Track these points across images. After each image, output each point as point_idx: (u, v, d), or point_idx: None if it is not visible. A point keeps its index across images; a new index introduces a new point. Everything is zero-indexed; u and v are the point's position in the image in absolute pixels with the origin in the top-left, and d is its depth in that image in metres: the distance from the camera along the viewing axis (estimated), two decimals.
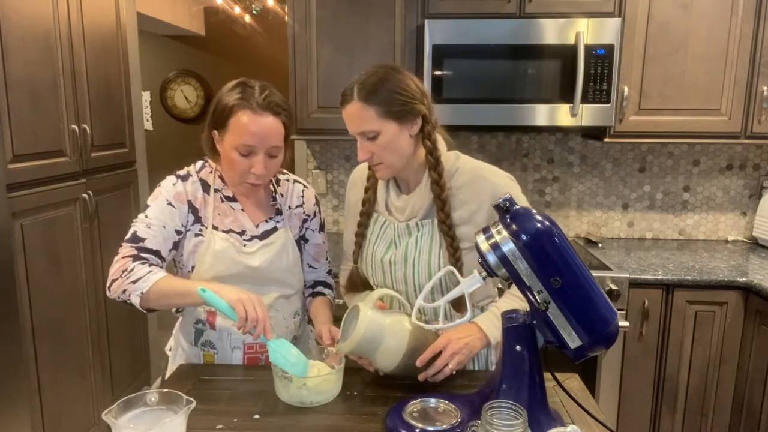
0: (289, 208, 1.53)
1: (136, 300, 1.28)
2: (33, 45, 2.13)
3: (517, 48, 2.30)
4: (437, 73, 2.31)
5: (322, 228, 1.60)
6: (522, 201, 1.32)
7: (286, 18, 2.60)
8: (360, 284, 1.47)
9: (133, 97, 2.98)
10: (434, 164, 1.34)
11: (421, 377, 1.26)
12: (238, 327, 1.23)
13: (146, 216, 1.38)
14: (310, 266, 1.59)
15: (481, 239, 1.03)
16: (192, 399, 1.01)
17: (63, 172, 2.33)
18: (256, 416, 1.19)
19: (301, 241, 1.56)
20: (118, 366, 2.79)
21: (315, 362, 1.32)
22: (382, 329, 1.23)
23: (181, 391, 1.08)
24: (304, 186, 1.58)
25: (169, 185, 1.42)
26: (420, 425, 1.08)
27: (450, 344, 1.25)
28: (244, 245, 1.42)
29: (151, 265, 1.33)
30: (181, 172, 1.45)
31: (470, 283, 1.09)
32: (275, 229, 1.48)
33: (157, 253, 1.36)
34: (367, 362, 1.30)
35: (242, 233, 1.44)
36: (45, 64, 2.21)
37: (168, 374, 1.47)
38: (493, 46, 2.30)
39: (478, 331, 1.30)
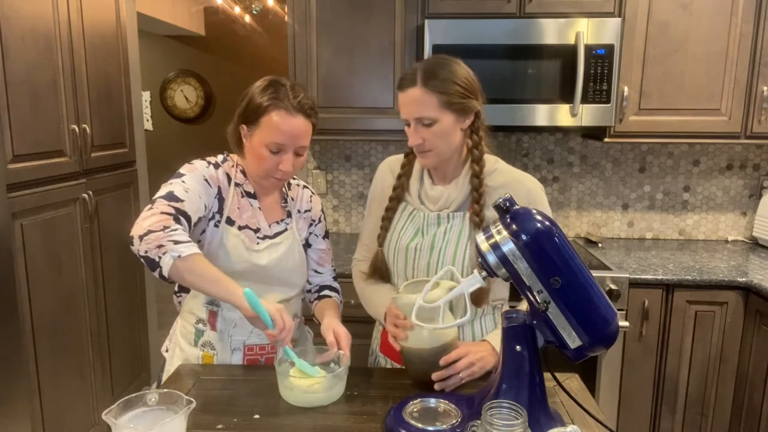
0: (298, 211, 1.55)
1: (168, 261, 1.19)
2: (33, 45, 2.13)
3: (517, 48, 2.30)
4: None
5: (326, 235, 1.62)
6: (548, 212, 1.38)
7: (286, 18, 2.60)
8: (383, 269, 1.47)
9: (133, 97, 2.98)
10: (478, 157, 1.38)
11: (434, 376, 1.25)
12: (272, 334, 1.23)
13: (183, 181, 1.34)
14: (316, 271, 1.60)
15: (481, 239, 1.03)
16: (192, 399, 1.01)
17: (63, 172, 2.33)
18: (256, 416, 1.19)
19: (305, 245, 1.57)
20: (118, 366, 2.79)
21: (316, 367, 1.32)
22: (443, 314, 1.18)
23: (181, 391, 1.08)
24: (312, 192, 1.61)
25: (203, 166, 1.41)
26: (420, 425, 1.08)
27: (469, 354, 1.26)
28: (257, 243, 1.43)
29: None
30: (211, 160, 1.45)
31: (470, 283, 1.09)
32: (285, 230, 1.50)
33: (189, 220, 1.30)
34: (403, 333, 1.26)
35: (257, 231, 1.45)
36: (45, 64, 2.21)
37: (165, 376, 1.47)
38: (493, 46, 2.29)
39: (492, 349, 1.33)
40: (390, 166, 1.53)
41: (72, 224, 2.40)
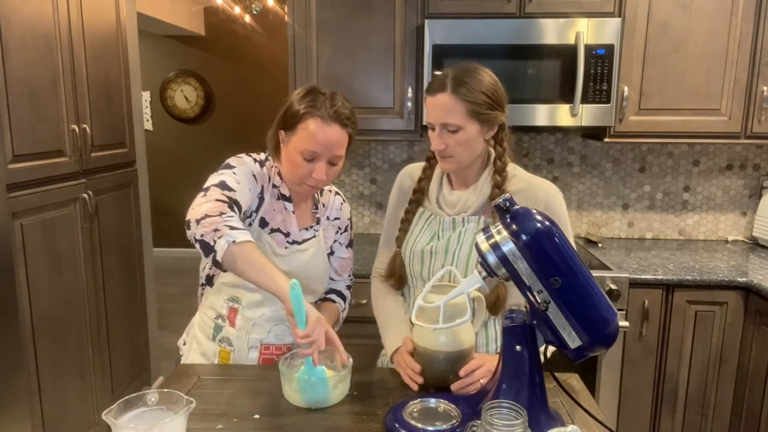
0: (328, 218, 1.56)
1: (224, 245, 1.19)
2: (33, 45, 2.13)
3: (517, 48, 2.30)
4: (437, 73, 2.31)
5: (350, 244, 1.62)
6: (566, 216, 1.39)
7: (286, 18, 2.60)
8: (401, 272, 1.47)
9: (133, 97, 2.98)
10: (501, 168, 1.39)
11: (454, 388, 1.25)
12: (299, 336, 1.19)
13: (234, 173, 1.35)
14: (331, 278, 1.60)
15: (481, 239, 1.03)
16: (192, 399, 1.01)
17: (63, 172, 2.33)
18: (256, 416, 1.19)
19: (330, 253, 1.57)
20: (118, 366, 2.79)
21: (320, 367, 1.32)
22: (465, 314, 1.16)
23: (181, 391, 1.08)
24: (343, 200, 1.62)
25: (250, 161, 1.42)
26: (420, 425, 1.08)
27: (485, 364, 1.26)
28: (285, 247, 1.44)
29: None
30: (256, 157, 1.45)
31: (470, 283, 1.09)
32: (313, 237, 1.50)
33: (240, 210, 1.30)
34: (419, 378, 1.28)
35: (287, 235, 1.45)
36: (45, 64, 2.21)
37: None
38: (493, 46, 2.30)
39: None
40: (410, 173, 1.54)
41: (72, 224, 2.40)
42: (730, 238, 2.85)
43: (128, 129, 2.91)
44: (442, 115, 1.33)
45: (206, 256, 1.23)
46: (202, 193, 1.29)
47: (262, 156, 1.47)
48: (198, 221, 1.22)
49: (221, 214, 1.23)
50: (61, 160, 2.32)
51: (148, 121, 5.89)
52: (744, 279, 2.19)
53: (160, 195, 5.62)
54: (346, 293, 1.63)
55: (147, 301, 3.15)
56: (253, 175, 1.39)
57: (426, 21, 2.29)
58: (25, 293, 2.10)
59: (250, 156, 1.44)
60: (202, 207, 1.24)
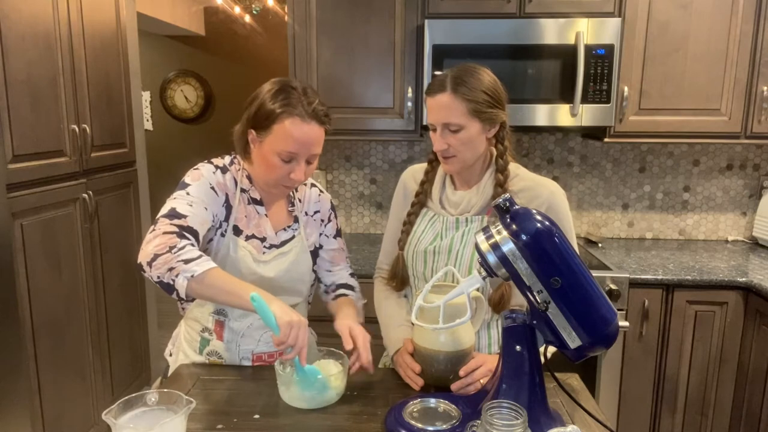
0: (306, 214, 1.50)
1: (183, 282, 1.16)
2: (33, 45, 2.13)
3: (517, 48, 2.30)
4: (437, 73, 2.31)
5: (338, 234, 1.56)
6: (569, 215, 1.39)
7: (286, 18, 2.60)
8: (403, 274, 1.47)
9: (133, 97, 2.98)
10: (503, 167, 1.39)
11: (454, 387, 1.25)
12: (276, 344, 1.18)
13: (188, 193, 1.29)
14: (328, 270, 1.55)
15: (481, 239, 1.03)
16: (192, 399, 1.01)
17: (63, 172, 2.33)
18: (256, 416, 1.19)
19: (317, 248, 1.53)
20: (118, 366, 2.79)
21: (320, 362, 1.31)
22: (465, 314, 1.14)
23: (181, 391, 1.08)
24: (320, 191, 1.56)
25: (209, 172, 1.35)
26: (420, 425, 1.08)
27: (486, 364, 1.26)
28: (263, 253, 1.39)
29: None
30: (218, 163, 1.38)
31: (470, 283, 1.09)
32: (292, 237, 1.45)
33: (195, 235, 1.25)
34: (420, 380, 1.29)
35: (263, 240, 1.41)
36: (45, 64, 2.21)
37: None
38: (493, 46, 2.30)
39: None
40: (413, 174, 1.54)
41: (72, 224, 2.40)
42: (730, 238, 2.85)
43: (128, 129, 2.91)
44: (443, 115, 1.33)
45: (170, 294, 1.20)
46: (152, 227, 1.24)
47: (227, 159, 1.41)
48: (150, 263, 1.18)
49: (170, 249, 1.18)
50: (61, 160, 2.32)
51: (148, 121, 5.89)
52: (744, 279, 2.19)
53: (161, 195, 5.62)
54: (353, 282, 1.57)
55: (147, 300, 3.15)
56: (212, 188, 1.33)
57: (426, 21, 2.29)
58: (25, 293, 2.10)
59: (211, 163, 1.38)
60: (150, 246, 1.19)
